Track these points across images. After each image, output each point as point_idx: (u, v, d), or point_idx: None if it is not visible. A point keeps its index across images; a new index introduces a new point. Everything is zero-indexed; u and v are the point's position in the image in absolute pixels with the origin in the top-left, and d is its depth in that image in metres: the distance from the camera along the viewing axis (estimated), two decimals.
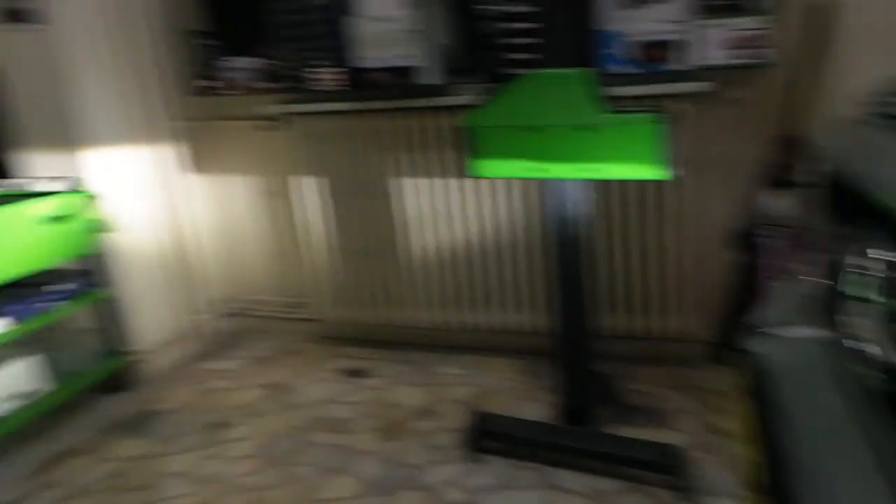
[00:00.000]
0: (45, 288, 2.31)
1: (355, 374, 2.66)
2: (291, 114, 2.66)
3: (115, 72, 2.56)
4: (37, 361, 2.26)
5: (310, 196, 2.76)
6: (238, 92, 2.73)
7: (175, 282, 2.88)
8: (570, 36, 1.84)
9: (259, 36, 2.63)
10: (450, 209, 2.60)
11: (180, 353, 2.86)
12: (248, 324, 3.18)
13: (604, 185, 2.32)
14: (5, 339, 2.10)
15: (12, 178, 2.48)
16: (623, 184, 2.31)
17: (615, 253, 2.44)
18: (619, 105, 1.75)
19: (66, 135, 2.44)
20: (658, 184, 2.26)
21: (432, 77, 2.47)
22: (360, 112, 2.59)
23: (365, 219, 2.74)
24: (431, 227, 2.65)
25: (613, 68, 2.21)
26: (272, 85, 2.67)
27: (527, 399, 2.32)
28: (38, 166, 2.49)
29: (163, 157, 2.79)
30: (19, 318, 2.15)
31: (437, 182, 2.58)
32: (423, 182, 2.60)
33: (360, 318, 2.88)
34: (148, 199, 2.75)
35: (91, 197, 2.41)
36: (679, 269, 2.39)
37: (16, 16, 2.31)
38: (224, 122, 2.88)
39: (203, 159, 2.98)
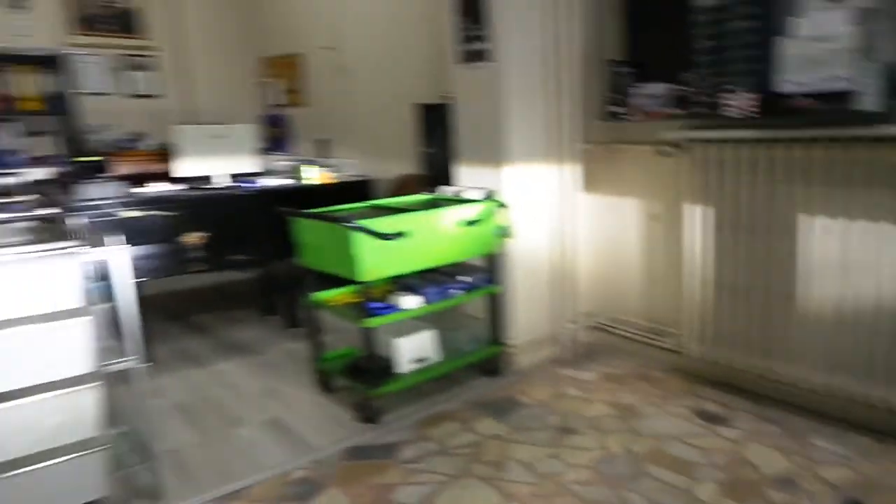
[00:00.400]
0: (453, 278, 2.78)
1: (710, 418, 2.47)
2: (693, 140, 2.61)
3: (538, 99, 2.91)
4: (433, 335, 2.76)
5: (697, 225, 2.67)
6: (642, 117, 2.81)
7: (552, 289, 3.14)
8: None
9: (676, 62, 2.66)
10: (867, 258, 2.19)
11: (545, 355, 3.11)
12: (609, 340, 3.26)
13: None
14: (416, 314, 2.63)
15: (451, 186, 3.08)
16: None
17: None
18: None
19: (493, 153, 2.88)
20: None
21: (871, 103, 2.12)
22: (771, 140, 2.37)
23: (754, 256, 2.51)
24: (839, 276, 2.27)
25: None
26: (678, 111, 2.67)
27: None
28: (469, 178, 3.02)
29: (562, 175, 3.05)
30: (429, 299, 2.66)
31: (857, 226, 2.20)
32: (837, 224, 2.25)
33: (729, 360, 2.65)
34: (543, 211, 3.05)
35: (501, 206, 2.80)
36: None
37: (473, 56, 2.86)
38: (622, 145, 3.01)
39: (595, 179, 3.17)
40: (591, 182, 3.19)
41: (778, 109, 2.32)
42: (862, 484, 1.97)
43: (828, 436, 2.26)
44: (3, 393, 1.53)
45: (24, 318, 1.55)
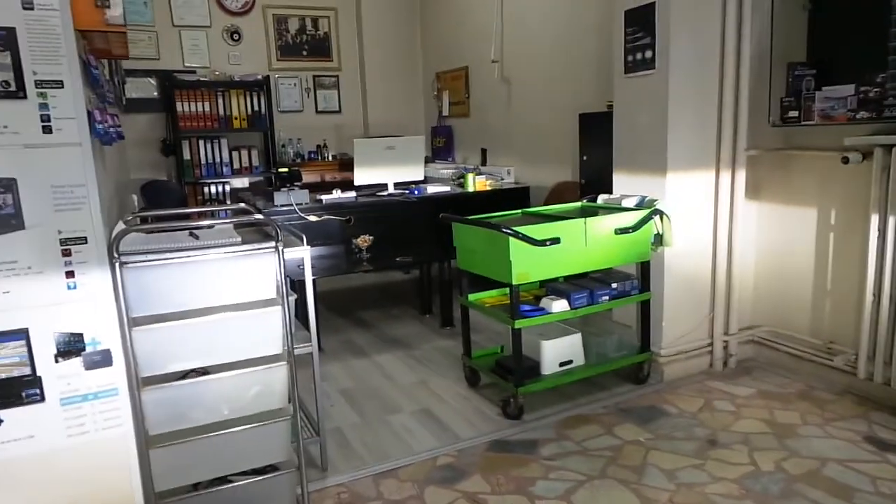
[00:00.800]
0: (603, 284, 2.81)
1: (882, 445, 2.27)
2: (882, 145, 2.42)
3: (704, 105, 2.87)
4: (580, 339, 2.82)
5: (881, 237, 2.47)
6: (821, 122, 2.65)
7: (708, 299, 3.04)
8: None
9: (866, 62, 2.50)
10: None
11: (696, 366, 3.02)
12: (769, 355, 3.08)
13: None
14: (564, 318, 2.71)
15: (607, 193, 3.11)
16: None
17: None
18: None
19: (653, 160, 2.88)
20: None
21: None
22: None
23: None
24: None
25: None
26: (865, 114, 2.48)
27: None
28: (628, 185, 3.04)
29: (725, 182, 2.95)
30: (577, 303, 2.73)
31: None
32: None
33: None
34: (702, 219, 2.98)
35: (658, 213, 2.79)
36: None
37: (638, 65, 2.88)
38: (796, 151, 2.87)
39: (762, 187, 3.04)
40: (759, 190, 3.05)
41: None
42: None
43: None
44: (221, 365, 1.90)
45: (238, 304, 1.91)
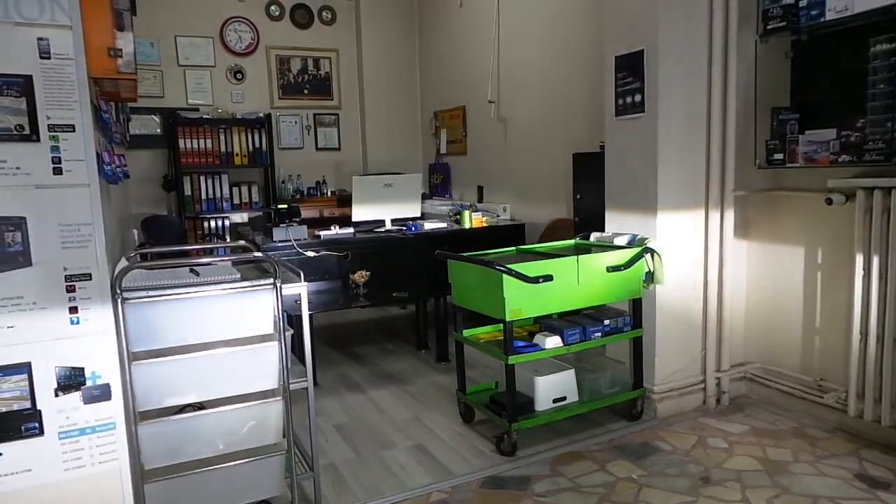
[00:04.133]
0: (596, 320, 2.84)
1: (873, 482, 2.28)
2: (865, 187, 2.50)
3: (693, 147, 2.95)
4: (573, 376, 2.85)
5: (866, 276, 2.52)
6: (805, 164, 2.73)
7: (700, 336, 3.08)
8: None
9: (846, 108, 2.60)
10: None
11: (689, 403, 3.04)
12: (761, 392, 3.11)
13: None
14: (557, 354, 2.75)
15: (598, 232, 3.17)
16: None
17: None
18: None
19: (644, 200, 2.96)
20: None
21: None
22: None
23: None
24: None
25: None
26: (847, 157, 2.56)
27: None
28: (619, 224, 3.10)
29: (714, 222, 3.01)
30: (570, 340, 2.77)
31: None
32: None
33: None
34: (693, 258, 3.03)
35: (648, 251, 2.85)
36: None
37: (629, 108, 2.98)
38: (782, 192, 2.96)
39: (751, 227, 3.11)
40: (747, 229, 3.12)
41: None
42: None
43: None
44: (217, 399, 1.93)
45: (235, 339, 1.95)
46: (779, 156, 2.82)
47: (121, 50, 1.70)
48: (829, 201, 2.63)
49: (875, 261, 2.47)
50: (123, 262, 1.90)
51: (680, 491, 2.30)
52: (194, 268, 2.06)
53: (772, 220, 3.04)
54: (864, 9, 2.40)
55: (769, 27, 2.77)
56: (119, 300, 1.69)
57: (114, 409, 1.68)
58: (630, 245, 2.89)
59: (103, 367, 1.66)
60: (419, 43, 6.57)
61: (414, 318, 4.39)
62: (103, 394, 1.65)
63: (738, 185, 2.99)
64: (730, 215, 3.00)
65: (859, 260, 2.53)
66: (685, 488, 2.32)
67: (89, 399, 1.65)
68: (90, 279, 1.63)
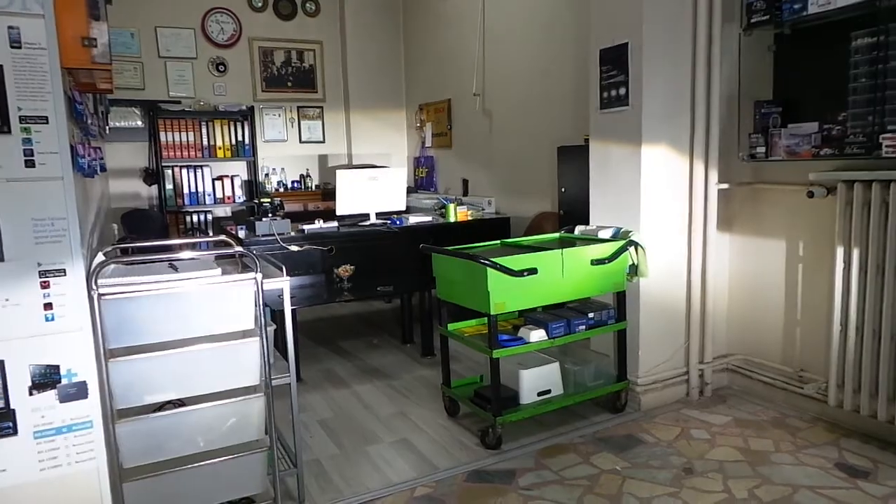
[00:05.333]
0: (581, 313, 2.85)
1: (852, 471, 2.31)
2: (845, 180, 2.52)
3: (677, 140, 2.95)
4: (558, 369, 2.85)
5: (845, 268, 2.55)
6: (787, 157, 2.75)
7: (683, 328, 3.09)
8: None
9: (827, 102, 2.62)
10: None
11: (672, 395, 3.06)
12: (743, 383, 3.14)
13: None
14: (542, 347, 2.75)
15: (583, 225, 3.17)
16: None
17: None
18: None
19: (627, 192, 2.95)
20: None
21: None
22: None
23: None
24: None
25: None
26: (828, 150, 2.58)
27: None
28: (604, 217, 3.10)
29: (698, 215, 3.02)
30: (555, 333, 2.77)
31: None
32: None
33: (875, 411, 2.46)
34: (676, 250, 3.04)
35: (633, 244, 2.85)
36: None
37: (613, 101, 2.97)
38: (764, 185, 2.98)
39: (733, 219, 3.13)
40: (730, 222, 3.13)
41: None
42: None
43: None
44: (197, 396, 1.90)
45: (216, 335, 1.92)
46: (761, 149, 2.84)
47: (95, 39, 1.65)
48: (811, 194, 2.66)
49: (855, 253, 2.49)
50: (100, 257, 1.86)
51: (663, 482, 2.32)
52: (173, 262, 2.03)
53: (754, 213, 3.05)
54: (846, 3, 2.41)
55: (752, 21, 2.78)
56: (95, 296, 1.66)
57: (90, 407, 1.64)
58: (614, 238, 2.89)
59: (79, 364, 1.62)
60: (404, 35, 6.53)
61: (399, 313, 4.38)
62: (79, 392, 1.62)
63: (722, 179, 3.00)
64: (713, 208, 3.01)
65: (840, 252, 2.55)
66: (668, 480, 2.33)
67: (65, 397, 1.62)
68: (65, 275, 1.59)
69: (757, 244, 3.06)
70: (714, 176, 2.97)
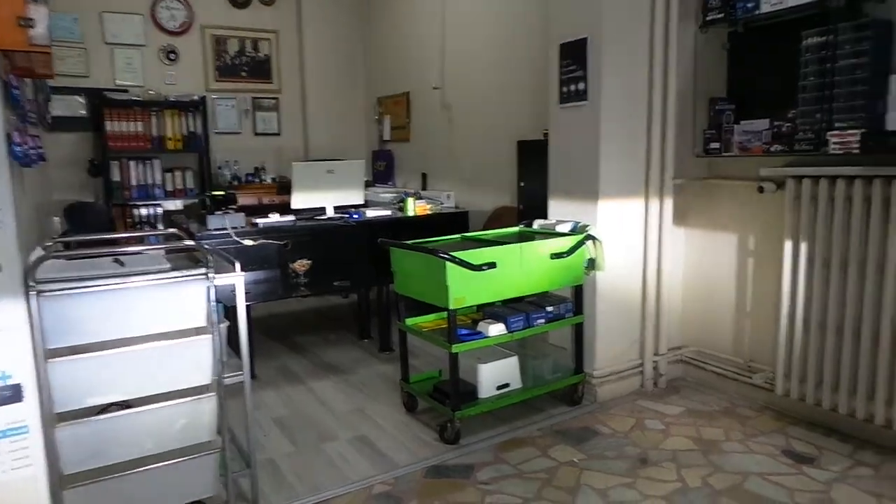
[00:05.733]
0: (539, 307, 2.86)
1: (799, 458, 2.39)
2: (790, 176, 2.59)
3: (634, 135, 2.99)
4: (516, 363, 2.86)
5: (794, 261, 2.62)
6: (740, 153, 2.81)
7: (637, 321, 3.14)
8: None
9: (778, 99, 2.68)
10: None
11: (628, 386, 3.11)
12: (696, 374, 3.21)
13: None
14: (501, 341, 2.74)
15: (542, 219, 3.18)
16: None
17: None
18: None
19: (586, 187, 2.97)
20: None
21: None
22: (872, 177, 2.33)
23: (850, 293, 2.43)
24: None
25: None
26: (779, 147, 2.66)
27: None
28: (562, 211, 3.12)
29: (655, 209, 3.07)
30: (514, 327, 2.77)
31: None
32: None
33: (818, 399, 2.55)
34: (633, 244, 3.08)
35: (591, 238, 2.87)
36: None
37: (572, 96, 2.99)
38: (718, 181, 3.04)
39: (688, 214, 3.19)
40: (685, 216, 3.19)
41: (885, 146, 2.27)
42: None
43: None
44: (144, 398, 1.82)
45: (163, 333, 1.84)
46: (715, 145, 2.90)
47: (32, 20, 1.56)
48: (761, 189, 2.72)
49: (803, 247, 2.57)
50: (39, 252, 1.76)
51: (619, 473, 2.35)
52: (119, 257, 1.94)
53: (708, 208, 3.12)
54: (797, 2, 2.48)
55: (708, 18, 2.84)
56: (33, 293, 1.57)
57: (27, 411, 1.56)
58: (573, 232, 2.91)
59: (14, 366, 1.53)
60: (363, 26, 6.43)
61: (356, 308, 4.33)
62: (14, 395, 1.53)
63: (677, 174, 3.05)
64: (669, 203, 3.07)
65: (788, 246, 2.63)
66: (624, 470, 2.36)
67: None
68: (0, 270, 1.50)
69: (710, 238, 3.12)
70: (670, 171, 3.02)
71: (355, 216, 4.09)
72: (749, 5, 2.65)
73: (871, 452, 2.40)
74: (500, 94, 4.52)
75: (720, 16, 2.78)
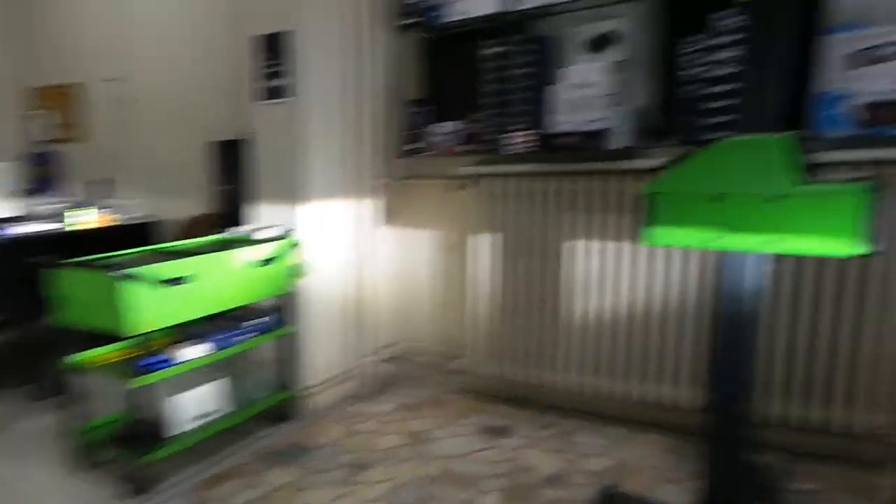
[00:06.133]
0: (244, 321, 2.62)
1: (494, 431, 2.61)
2: (481, 174, 2.79)
3: (339, 136, 2.90)
4: (218, 387, 2.58)
5: (484, 252, 2.85)
6: (438, 153, 2.95)
7: (349, 325, 3.11)
8: (777, 97, 1.66)
9: (467, 103, 2.86)
10: (619, 274, 2.53)
11: (341, 392, 3.06)
12: (406, 370, 3.32)
13: (797, 261, 2.13)
14: (202, 363, 2.44)
15: (242, 226, 2.91)
16: (821, 260, 2.09)
17: (798, 334, 2.13)
18: (830, 172, 1.59)
19: (290, 190, 2.80)
20: (861, 261, 2.03)
21: (623, 140, 2.46)
22: (544, 174, 2.65)
23: (531, 278, 2.75)
24: (597, 292, 2.58)
25: (832, 131, 2.03)
26: (469, 147, 2.85)
27: (668, 481, 2.11)
28: (265, 216, 2.90)
29: (361, 210, 3.06)
30: (218, 345, 2.49)
31: (611, 246, 2.53)
32: (595, 245, 2.57)
33: (509, 375, 2.84)
34: (341, 247, 3.02)
35: (295, 244, 2.72)
36: (876, 357, 1.99)
37: (272, 93, 2.77)
38: (419, 180, 3.14)
39: (394, 214, 3.25)
40: (392, 216, 3.26)
41: (551, 146, 2.59)
42: (620, 470, 2.24)
43: (594, 433, 2.54)
44: None
45: None
46: (414, 145, 3.01)
47: None
48: (453, 186, 2.92)
49: (489, 239, 2.82)
50: None
51: (334, 484, 2.27)
52: None
53: (411, 207, 3.23)
54: (479, 14, 2.70)
55: (404, 23, 2.94)
56: None
57: None
58: (275, 238, 2.74)
59: None
60: (21, 2, 5.25)
61: (12, 349, 3.49)
62: None
63: (383, 174, 3.10)
64: (375, 203, 3.10)
65: (476, 239, 2.86)
66: (338, 480, 2.29)
67: None
68: None
69: (413, 236, 3.25)
70: (375, 171, 3.05)
71: (4, 232, 3.30)
72: (437, 14, 2.82)
73: (554, 416, 2.73)
74: (194, 91, 4.08)
75: (416, 21, 2.91)
